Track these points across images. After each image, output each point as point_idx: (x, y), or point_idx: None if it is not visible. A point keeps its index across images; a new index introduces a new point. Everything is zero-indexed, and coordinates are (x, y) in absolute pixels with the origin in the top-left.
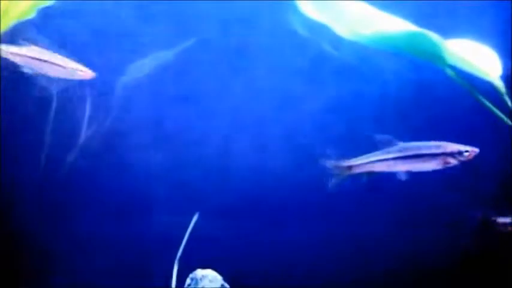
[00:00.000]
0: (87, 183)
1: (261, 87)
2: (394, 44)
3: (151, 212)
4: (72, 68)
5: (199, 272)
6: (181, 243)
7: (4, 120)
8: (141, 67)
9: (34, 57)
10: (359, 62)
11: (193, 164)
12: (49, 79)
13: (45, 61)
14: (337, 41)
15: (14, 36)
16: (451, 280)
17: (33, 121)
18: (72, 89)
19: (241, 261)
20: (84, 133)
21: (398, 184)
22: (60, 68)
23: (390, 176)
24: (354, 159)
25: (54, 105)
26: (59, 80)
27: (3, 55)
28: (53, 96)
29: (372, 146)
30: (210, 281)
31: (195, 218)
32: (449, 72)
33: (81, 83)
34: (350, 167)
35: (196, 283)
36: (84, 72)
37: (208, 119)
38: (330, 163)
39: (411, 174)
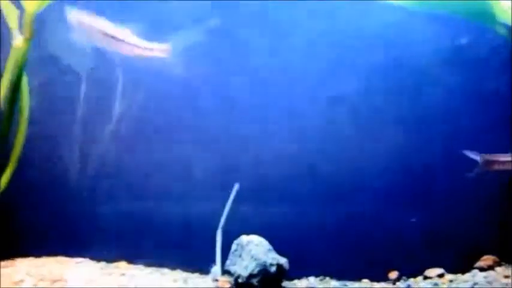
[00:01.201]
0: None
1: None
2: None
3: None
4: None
5: (244, 238)
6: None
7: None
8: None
9: (106, 33)
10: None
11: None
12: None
13: (118, 39)
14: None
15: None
16: None
17: (66, 103)
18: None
19: None
20: (117, 116)
21: None
22: (131, 47)
23: None
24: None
25: (84, 87)
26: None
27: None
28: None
29: None
30: (256, 245)
31: (235, 188)
32: (501, 30)
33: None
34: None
35: (243, 248)
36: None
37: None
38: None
39: None
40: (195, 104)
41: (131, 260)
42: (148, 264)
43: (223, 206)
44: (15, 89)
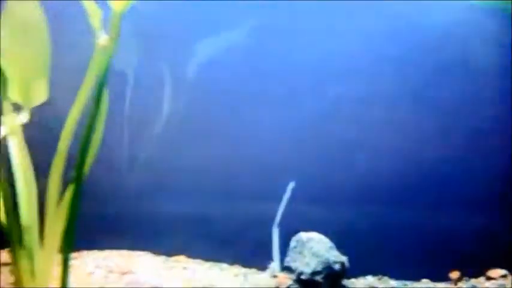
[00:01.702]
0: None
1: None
2: None
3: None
4: None
5: (303, 235)
6: None
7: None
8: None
9: None
10: None
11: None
12: None
13: None
14: None
15: None
16: None
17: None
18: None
19: None
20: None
21: None
22: None
23: None
24: None
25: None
26: None
27: None
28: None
29: None
30: (318, 243)
31: (291, 186)
32: None
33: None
34: None
35: (303, 245)
36: None
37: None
38: None
39: None
40: (247, 101)
41: (189, 254)
42: (206, 259)
43: (277, 203)
44: (101, 88)
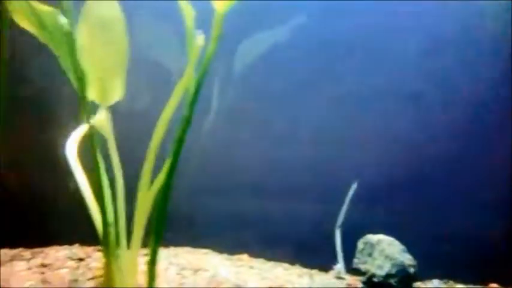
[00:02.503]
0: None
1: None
2: None
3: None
4: None
5: (372, 237)
6: None
7: None
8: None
9: None
10: None
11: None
12: None
13: None
14: None
15: None
16: None
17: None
18: None
19: None
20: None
21: None
22: None
23: None
24: None
25: None
26: None
27: None
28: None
29: None
30: (389, 245)
31: (354, 186)
32: None
33: None
34: None
35: (372, 247)
36: None
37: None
38: None
39: None
40: (311, 101)
41: (249, 253)
42: (268, 258)
43: (338, 204)
44: (198, 89)
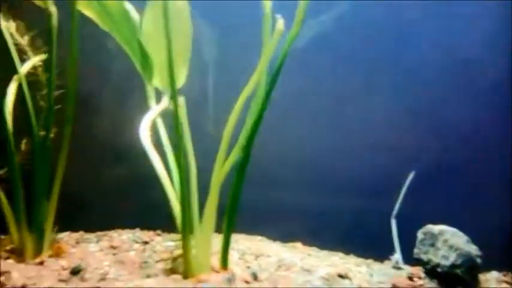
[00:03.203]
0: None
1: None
2: None
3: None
4: None
5: (433, 227)
6: None
7: None
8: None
9: None
10: None
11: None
12: None
13: None
14: None
15: None
16: None
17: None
18: None
19: None
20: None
21: None
22: None
23: None
24: None
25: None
26: None
27: None
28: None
29: None
30: (453, 235)
31: (411, 176)
32: None
33: None
34: None
35: (434, 237)
36: None
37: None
38: None
39: None
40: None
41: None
42: (320, 247)
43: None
44: (276, 75)
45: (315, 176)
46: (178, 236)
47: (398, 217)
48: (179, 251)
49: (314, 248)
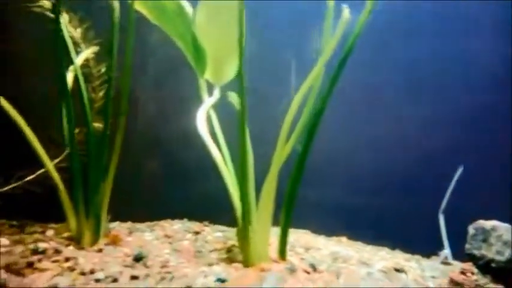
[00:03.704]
0: None
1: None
2: None
3: None
4: None
5: (485, 223)
6: None
7: None
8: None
9: None
10: None
11: None
12: None
13: None
14: None
15: None
16: None
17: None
18: None
19: None
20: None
21: None
22: None
23: None
24: None
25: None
26: None
27: None
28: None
29: None
30: (507, 231)
31: (459, 171)
32: None
33: None
34: None
35: (487, 233)
36: None
37: None
38: None
39: None
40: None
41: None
42: (365, 242)
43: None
44: (343, 63)
45: (357, 171)
46: (230, 228)
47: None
48: (232, 242)
49: (359, 243)
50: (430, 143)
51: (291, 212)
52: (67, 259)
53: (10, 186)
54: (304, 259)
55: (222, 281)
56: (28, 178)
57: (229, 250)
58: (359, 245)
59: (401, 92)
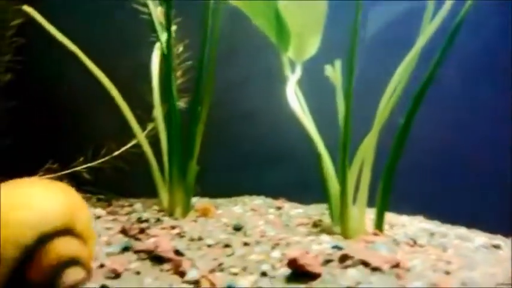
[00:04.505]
0: None
1: None
2: None
3: None
4: None
5: None
6: None
7: None
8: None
9: None
10: None
11: None
12: None
13: None
14: None
15: None
16: None
17: None
18: None
19: None
20: None
21: None
22: None
23: None
24: None
25: None
26: None
27: None
28: None
29: None
30: None
31: None
32: None
33: None
34: None
35: None
36: None
37: None
38: None
39: None
40: None
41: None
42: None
43: None
44: (443, 56)
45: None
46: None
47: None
48: (317, 218)
49: (435, 222)
50: None
51: (390, 184)
52: (173, 227)
53: (99, 161)
54: (397, 234)
55: (339, 248)
56: (116, 153)
57: (316, 225)
58: (435, 224)
59: None
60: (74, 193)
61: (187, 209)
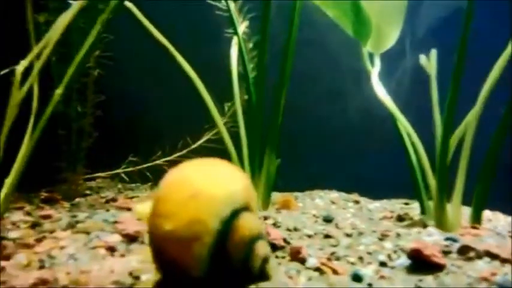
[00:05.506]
0: None
1: None
2: None
3: None
4: None
5: None
6: None
7: None
8: None
9: None
10: None
11: None
12: None
13: None
14: None
15: None
16: None
17: None
18: None
19: None
20: None
21: None
22: None
23: None
24: None
25: None
26: None
27: None
28: None
29: None
30: None
31: None
32: None
33: None
34: None
35: None
36: None
37: None
38: None
39: None
40: None
41: None
42: None
43: None
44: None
45: None
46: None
47: None
48: (398, 212)
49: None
50: None
51: (490, 179)
52: (265, 217)
53: (177, 154)
54: (495, 227)
55: (454, 240)
56: (193, 145)
57: (401, 218)
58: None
59: None
60: (244, 173)
61: (267, 201)
